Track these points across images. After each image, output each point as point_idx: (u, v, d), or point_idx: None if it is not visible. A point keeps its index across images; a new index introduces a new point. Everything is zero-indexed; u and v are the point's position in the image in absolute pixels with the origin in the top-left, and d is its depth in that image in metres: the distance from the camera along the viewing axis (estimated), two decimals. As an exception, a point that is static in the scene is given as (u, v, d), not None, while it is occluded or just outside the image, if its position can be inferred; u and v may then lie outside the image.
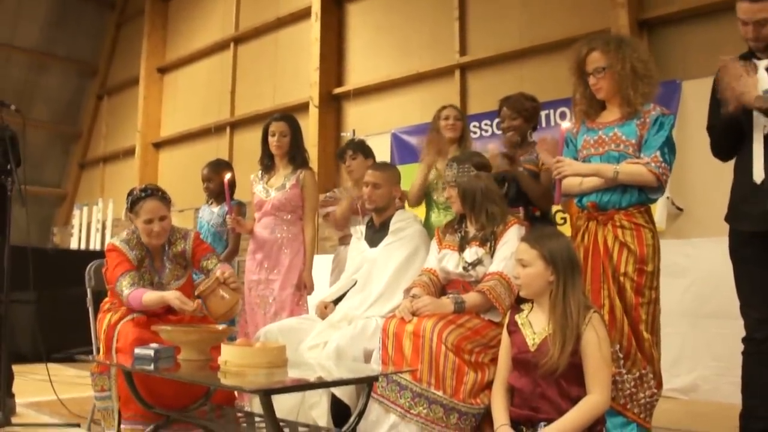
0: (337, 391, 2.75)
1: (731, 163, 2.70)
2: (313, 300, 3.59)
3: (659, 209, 4.81)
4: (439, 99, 5.27)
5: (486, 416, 2.54)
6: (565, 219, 4.55)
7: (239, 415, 2.81)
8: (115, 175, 11.35)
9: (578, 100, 2.91)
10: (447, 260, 2.93)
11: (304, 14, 8.16)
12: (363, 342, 2.87)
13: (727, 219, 2.68)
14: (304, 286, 3.78)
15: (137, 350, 2.53)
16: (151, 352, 2.47)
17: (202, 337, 2.69)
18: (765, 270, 2.54)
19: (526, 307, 2.40)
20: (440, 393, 2.52)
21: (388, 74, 7.31)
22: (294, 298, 3.73)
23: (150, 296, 2.92)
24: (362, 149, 4.08)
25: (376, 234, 3.32)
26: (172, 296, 2.90)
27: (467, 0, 6.78)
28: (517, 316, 2.38)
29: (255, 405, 2.85)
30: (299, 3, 8.27)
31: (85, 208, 10.70)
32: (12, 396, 3.70)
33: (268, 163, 3.94)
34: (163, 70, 10.67)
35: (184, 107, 10.18)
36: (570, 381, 2.21)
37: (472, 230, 2.93)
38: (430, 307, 2.67)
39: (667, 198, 4.89)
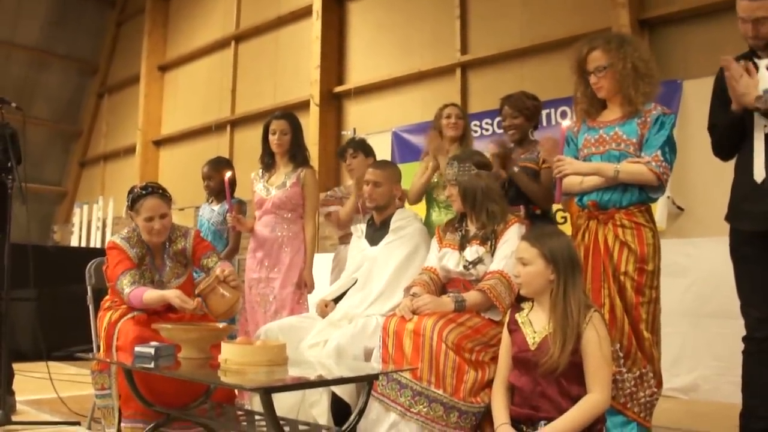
0: (338, 390, 2.75)
1: (732, 162, 2.70)
2: (313, 298, 3.59)
3: (660, 208, 4.81)
4: (439, 98, 5.28)
5: (486, 415, 2.54)
6: (565, 218, 4.54)
7: (239, 413, 2.80)
8: (116, 173, 11.35)
9: (579, 99, 2.91)
10: (447, 259, 2.93)
11: (305, 12, 8.16)
12: (363, 340, 2.87)
13: (728, 218, 2.68)
14: (305, 285, 3.78)
15: (137, 348, 2.53)
16: (152, 350, 2.47)
17: (203, 335, 2.69)
18: (765, 269, 2.54)
19: (526, 305, 2.40)
20: (440, 392, 2.52)
21: (389, 73, 7.31)
22: (294, 297, 3.73)
23: (151, 295, 2.93)
24: (363, 148, 4.08)
25: (376, 232, 3.32)
26: (173, 295, 2.91)
27: (468, -2, 6.80)
28: (517, 315, 2.38)
29: (255, 403, 2.85)
30: (300, 1, 8.27)
31: (86, 206, 10.70)
32: (12, 394, 3.71)
33: (268, 162, 3.93)
34: (163, 68, 10.67)
35: (184, 105, 10.18)
36: (570, 380, 2.21)
37: (472, 229, 2.93)
38: (431, 306, 2.67)
39: (668, 197, 4.89)
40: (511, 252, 2.67)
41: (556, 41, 5.88)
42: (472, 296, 2.73)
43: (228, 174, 3.86)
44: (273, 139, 3.84)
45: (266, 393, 2.09)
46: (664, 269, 2.74)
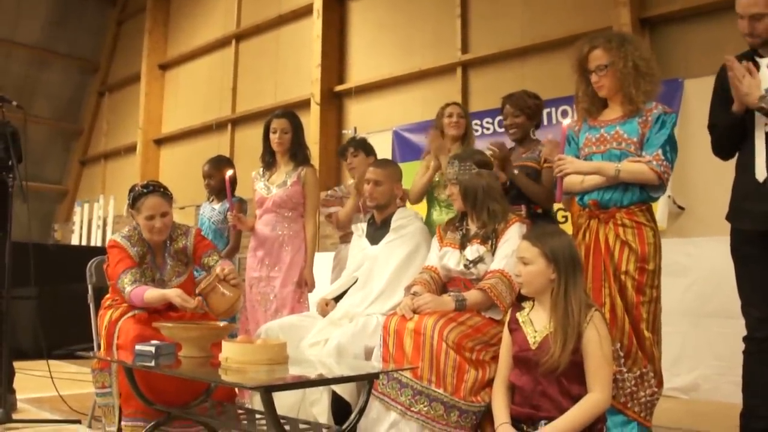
0: (338, 389, 2.75)
1: (733, 161, 2.70)
2: (314, 297, 3.59)
3: (661, 208, 4.81)
4: (440, 96, 5.28)
5: (487, 414, 2.54)
6: (566, 217, 4.55)
7: (240, 411, 2.80)
8: (116, 171, 11.35)
9: (580, 98, 2.91)
10: (448, 258, 2.92)
11: (306, 11, 8.16)
12: (364, 339, 2.87)
13: (729, 217, 2.67)
14: (305, 284, 3.78)
15: (138, 347, 2.53)
16: (152, 349, 2.47)
17: (203, 334, 2.69)
18: (766, 269, 2.54)
19: (527, 305, 2.40)
20: (441, 391, 2.52)
21: (390, 72, 7.30)
22: (295, 296, 3.73)
23: (151, 294, 2.93)
24: (364, 147, 4.08)
25: (377, 231, 3.32)
26: (174, 294, 2.91)
27: (469, -2, 6.79)
28: (518, 314, 2.38)
29: (256, 402, 2.85)
30: (301, 0, 8.26)
31: (87, 205, 10.71)
32: (13, 392, 3.71)
33: (269, 160, 3.93)
34: (164, 67, 10.67)
35: (185, 104, 10.18)
36: (571, 379, 2.21)
37: (473, 228, 2.93)
38: (431, 305, 2.67)
39: (669, 197, 4.88)
40: (512, 251, 2.67)
41: (556, 40, 5.88)
42: (472, 295, 2.73)
43: (229, 173, 3.87)
44: (274, 137, 3.84)
45: (267, 392, 2.09)
46: (664, 269, 2.74)
